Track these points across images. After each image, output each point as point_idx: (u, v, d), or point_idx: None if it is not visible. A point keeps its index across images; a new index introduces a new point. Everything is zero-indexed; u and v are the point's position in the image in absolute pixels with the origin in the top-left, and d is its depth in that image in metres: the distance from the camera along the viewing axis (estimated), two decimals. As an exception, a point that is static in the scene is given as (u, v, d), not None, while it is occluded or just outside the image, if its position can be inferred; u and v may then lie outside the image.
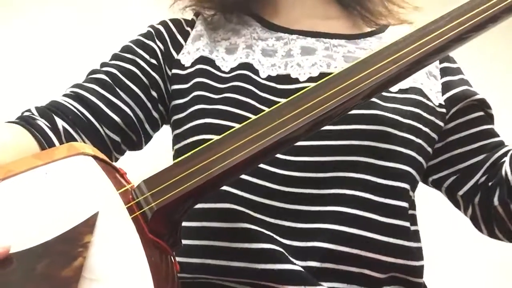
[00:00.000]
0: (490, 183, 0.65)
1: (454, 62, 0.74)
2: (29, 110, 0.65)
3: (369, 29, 0.75)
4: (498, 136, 0.70)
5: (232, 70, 0.69)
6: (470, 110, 0.70)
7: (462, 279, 1.92)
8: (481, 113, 0.70)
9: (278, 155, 0.61)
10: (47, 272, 0.43)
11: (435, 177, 0.71)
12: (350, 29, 0.74)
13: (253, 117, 0.53)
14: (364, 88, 0.53)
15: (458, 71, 0.73)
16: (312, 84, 0.54)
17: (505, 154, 0.66)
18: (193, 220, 0.61)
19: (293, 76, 0.67)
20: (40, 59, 1.97)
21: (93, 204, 0.47)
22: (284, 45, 0.71)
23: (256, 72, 0.68)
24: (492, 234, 0.68)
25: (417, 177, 0.65)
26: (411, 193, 0.64)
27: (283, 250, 0.59)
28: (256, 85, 0.66)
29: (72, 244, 0.44)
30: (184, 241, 0.61)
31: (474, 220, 0.69)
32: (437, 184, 0.71)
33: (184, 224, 0.61)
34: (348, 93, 0.53)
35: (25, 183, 0.49)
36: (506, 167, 0.62)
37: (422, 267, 0.63)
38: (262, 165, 0.61)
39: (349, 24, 0.75)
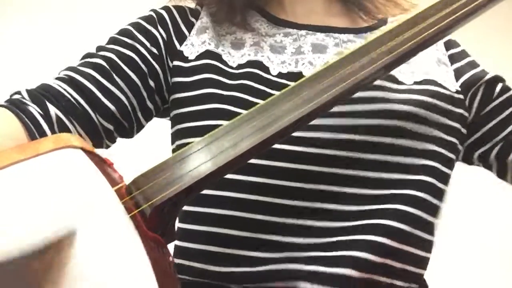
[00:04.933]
0: None
1: (458, 45, 0.74)
2: (19, 93, 0.60)
3: (371, 23, 0.74)
4: None
5: (241, 66, 0.66)
6: (489, 88, 0.70)
7: (462, 277, 1.99)
8: (500, 85, 0.70)
9: (293, 147, 0.60)
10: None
11: (480, 151, 0.70)
12: (353, 24, 0.73)
13: None
14: (358, 80, 0.53)
15: (463, 54, 0.73)
16: None
17: None
18: (200, 224, 0.60)
19: (305, 74, 0.65)
20: (33, 42, 1.91)
21: (86, 204, 0.45)
22: (293, 41, 0.69)
23: (266, 69, 0.66)
24: None
25: (444, 169, 0.64)
26: (439, 185, 0.63)
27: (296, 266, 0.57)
28: (266, 83, 0.64)
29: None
30: (187, 244, 0.61)
31: None
32: (484, 158, 0.70)
33: (189, 227, 0.61)
34: (342, 85, 0.52)
35: (6, 181, 0.45)
36: None
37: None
38: (276, 163, 0.60)
39: (350, 20, 0.74)
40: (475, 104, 0.69)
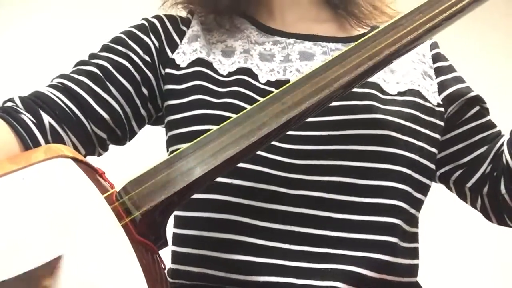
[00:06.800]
0: (495, 173, 0.67)
1: (446, 60, 0.75)
2: (12, 100, 0.61)
3: (360, 31, 0.75)
4: (495, 126, 0.73)
5: (231, 74, 0.67)
6: (467, 107, 0.71)
7: (457, 279, 1.99)
8: (478, 108, 0.72)
9: (280, 158, 0.61)
10: None
11: (442, 171, 0.71)
12: (342, 31, 0.74)
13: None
14: (339, 86, 0.54)
15: (450, 69, 0.74)
16: None
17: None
18: (194, 228, 0.61)
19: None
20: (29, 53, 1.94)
21: (76, 214, 0.45)
22: (281, 49, 0.70)
23: (255, 77, 0.67)
24: (501, 223, 0.70)
25: (423, 179, 0.65)
26: (416, 194, 0.64)
27: (288, 263, 0.58)
28: (255, 90, 0.65)
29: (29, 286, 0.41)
30: (183, 249, 0.62)
31: (483, 211, 0.71)
32: (444, 178, 0.72)
33: (184, 232, 0.62)
34: (323, 92, 0.53)
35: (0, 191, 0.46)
36: (506, 155, 0.64)
37: None
38: (264, 169, 0.61)
39: (340, 27, 0.75)
40: (449, 120, 0.70)
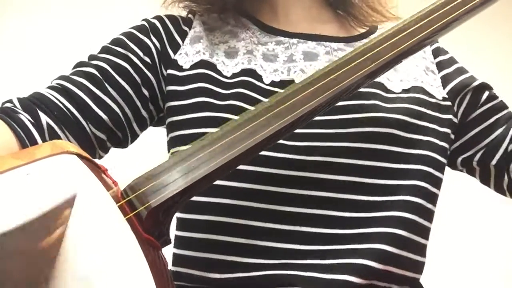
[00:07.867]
0: None
1: (446, 53, 0.76)
2: (10, 101, 0.61)
3: (360, 31, 0.76)
4: (508, 107, 0.73)
5: (235, 75, 0.67)
6: (475, 95, 0.72)
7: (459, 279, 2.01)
8: (487, 93, 0.72)
9: (287, 155, 0.61)
10: (21, 248, 0.41)
11: (463, 156, 0.72)
12: (343, 31, 0.75)
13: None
14: (342, 89, 0.55)
15: (451, 61, 0.75)
16: None
17: None
18: (194, 231, 0.61)
19: (297, 81, 0.66)
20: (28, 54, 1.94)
21: (82, 208, 0.46)
22: (285, 49, 0.70)
23: (259, 78, 0.67)
24: None
25: (437, 174, 0.66)
26: (433, 190, 0.65)
27: (295, 273, 0.59)
28: (260, 91, 0.65)
29: (51, 220, 0.42)
30: (184, 252, 0.62)
31: (510, 187, 0.70)
32: (467, 163, 0.72)
33: (185, 234, 0.62)
34: (328, 93, 0.54)
35: (4, 187, 0.46)
36: None
37: None
38: (270, 170, 0.61)
39: (341, 27, 0.76)
40: (461, 110, 0.71)
